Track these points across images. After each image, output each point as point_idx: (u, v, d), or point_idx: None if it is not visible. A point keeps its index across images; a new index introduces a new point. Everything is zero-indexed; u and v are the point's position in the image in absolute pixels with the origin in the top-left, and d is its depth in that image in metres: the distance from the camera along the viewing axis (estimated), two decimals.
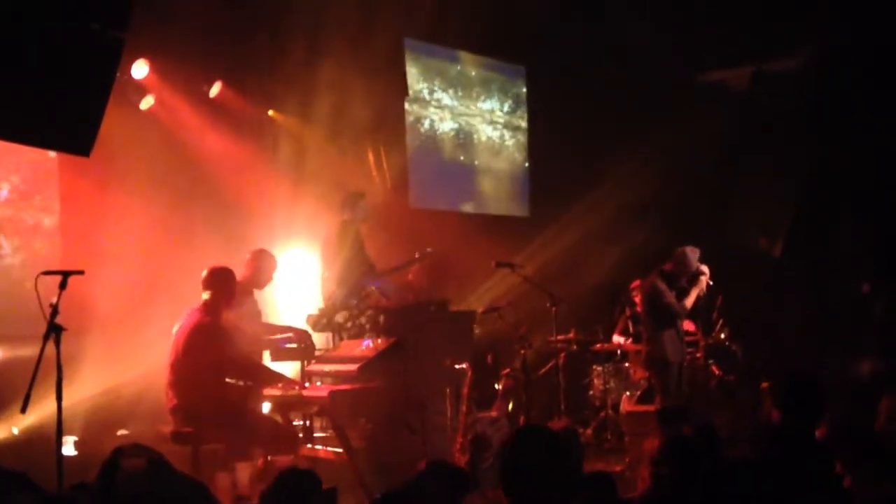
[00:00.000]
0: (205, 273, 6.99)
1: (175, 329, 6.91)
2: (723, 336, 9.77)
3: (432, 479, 4.25)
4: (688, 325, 9.23)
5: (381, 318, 7.67)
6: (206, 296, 6.89)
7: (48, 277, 5.52)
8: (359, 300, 8.60)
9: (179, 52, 8.95)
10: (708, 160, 12.27)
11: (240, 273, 7.54)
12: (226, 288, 6.96)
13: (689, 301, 8.74)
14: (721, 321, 9.78)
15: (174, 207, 9.24)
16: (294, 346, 8.08)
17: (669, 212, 11.92)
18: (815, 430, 4.74)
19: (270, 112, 10.34)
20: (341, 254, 8.77)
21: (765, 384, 8.65)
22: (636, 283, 10.19)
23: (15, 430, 8.13)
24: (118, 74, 6.55)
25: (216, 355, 6.70)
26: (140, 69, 8.83)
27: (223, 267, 7.12)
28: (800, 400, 4.80)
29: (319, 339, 8.46)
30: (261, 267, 7.85)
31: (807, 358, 10.07)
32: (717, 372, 9.67)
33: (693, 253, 8.87)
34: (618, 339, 10.45)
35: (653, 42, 11.64)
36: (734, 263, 10.52)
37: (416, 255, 9.38)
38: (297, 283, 9.84)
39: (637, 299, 10.11)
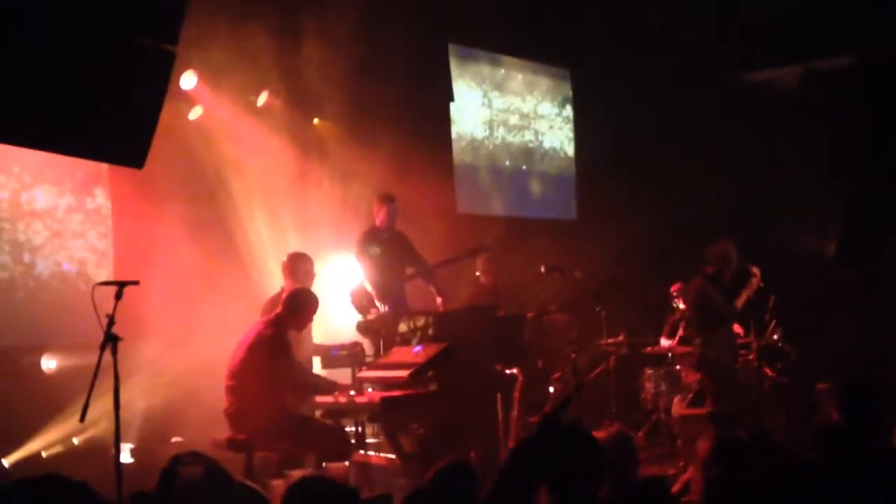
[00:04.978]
0: (289, 291, 7.18)
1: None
2: (775, 337, 9.61)
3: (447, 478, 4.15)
4: (736, 329, 9.09)
5: (431, 324, 7.68)
6: (279, 310, 7.02)
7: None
8: (400, 306, 8.62)
9: (226, 63, 9.04)
10: (757, 160, 12.16)
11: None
12: (300, 312, 7.07)
13: (740, 302, 8.56)
14: (774, 322, 9.62)
15: (222, 216, 9.35)
16: (344, 352, 8.15)
17: (718, 212, 11.80)
18: (881, 434, 4.68)
19: (316, 120, 10.41)
20: (372, 260, 8.76)
21: (821, 386, 8.55)
22: (677, 286, 10.09)
23: (75, 441, 8.26)
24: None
25: (274, 367, 6.76)
26: (188, 80, 8.94)
27: (308, 291, 7.26)
28: (862, 404, 4.76)
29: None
30: (296, 270, 7.88)
31: (860, 359, 9.92)
32: (770, 374, 9.54)
33: (730, 247, 8.48)
34: (665, 342, 10.33)
35: (700, 42, 11.54)
36: (787, 264, 10.38)
37: (474, 248, 9.44)
38: (347, 289, 9.86)
39: (680, 303, 10.01)
